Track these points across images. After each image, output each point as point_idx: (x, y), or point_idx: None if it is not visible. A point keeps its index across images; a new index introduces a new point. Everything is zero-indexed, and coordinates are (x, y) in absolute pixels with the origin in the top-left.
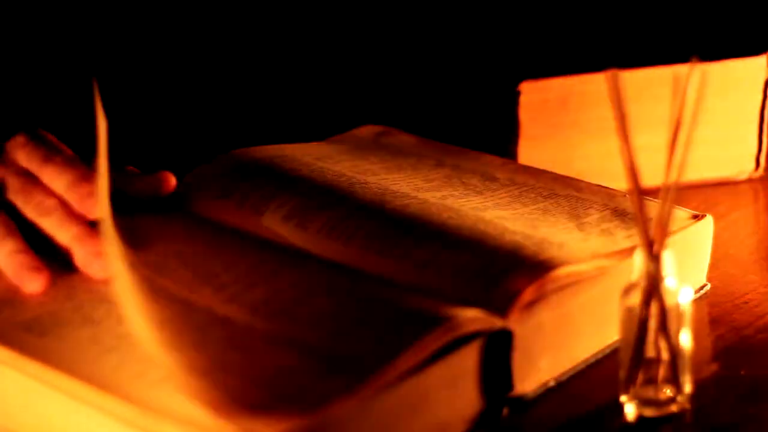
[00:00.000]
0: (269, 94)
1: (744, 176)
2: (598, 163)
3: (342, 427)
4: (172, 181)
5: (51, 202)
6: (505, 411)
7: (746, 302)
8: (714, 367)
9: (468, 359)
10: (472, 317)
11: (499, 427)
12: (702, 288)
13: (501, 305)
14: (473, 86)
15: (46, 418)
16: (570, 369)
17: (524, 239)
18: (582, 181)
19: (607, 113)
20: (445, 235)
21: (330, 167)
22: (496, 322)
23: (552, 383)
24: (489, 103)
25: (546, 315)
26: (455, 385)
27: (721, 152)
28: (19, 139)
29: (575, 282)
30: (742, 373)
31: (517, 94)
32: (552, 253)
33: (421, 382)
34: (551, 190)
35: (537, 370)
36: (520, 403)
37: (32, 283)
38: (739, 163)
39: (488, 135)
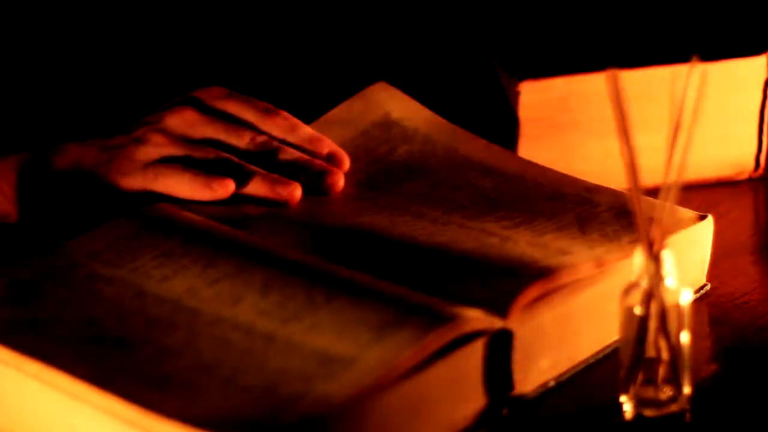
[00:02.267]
0: (274, 94)
1: (744, 176)
2: (598, 163)
3: (343, 427)
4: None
5: (263, 138)
6: (505, 411)
7: (746, 302)
8: (714, 367)
9: (471, 359)
10: (473, 317)
11: (499, 427)
12: (702, 288)
13: (501, 305)
14: (473, 85)
15: (46, 418)
16: (570, 369)
17: (528, 248)
18: (590, 182)
19: (607, 113)
20: (445, 245)
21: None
22: (496, 322)
23: (552, 383)
24: (489, 102)
25: (546, 315)
26: (456, 385)
27: (721, 152)
28: (216, 91)
29: (575, 282)
30: (742, 373)
31: (517, 94)
32: (555, 260)
33: (422, 382)
34: (559, 190)
35: (537, 370)
36: (520, 403)
37: (294, 192)
38: (739, 163)
39: (488, 135)
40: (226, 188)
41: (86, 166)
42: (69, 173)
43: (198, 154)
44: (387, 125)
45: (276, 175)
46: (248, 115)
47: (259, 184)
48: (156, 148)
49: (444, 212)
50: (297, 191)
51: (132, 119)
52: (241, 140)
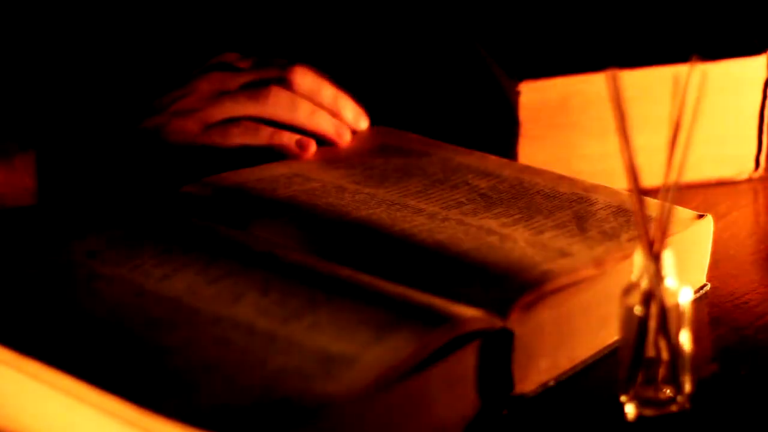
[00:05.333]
0: None
1: (744, 176)
2: (598, 163)
3: (343, 426)
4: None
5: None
6: (505, 411)
7: (746, 302)
8: (714, 367)
9: (466, 360)
10: (473, 317)
11: (499, 427)
12: (702, 288)
13: (501, 305)
14: (473, 86)
15: (46, 418)
16: (570, 369)
17: (527, 248)
18: (586, 181)
19: (607, 113)
20: (445, 243)
21: (332, 181)
22: (496, 322)
23: (552, 383)
24: (489, 103)
25: (546, 315)
26: (456, 384)
27: (721, 152)
28: (231, 56)
29: (575, 282)
30: (742, 373)
31: (517, 94)
32: (554, 263)
33: (421, 382)
34: (556, 189)
35: (537, 370)
36: (520, 403)
37: (345, 135)
38: (739, 163)
39: (488, 135)
40: (308, 147)
41: (128, 145)
42: (102, 156)
43: (242, 95)
44: (383, 149)
45: (332, 118)
46: (267, 65)
47: (321, 119)
48: (205, 113)
49: (442, 208)
50: (348, 135)
51: (139, 103)
52: (269, 72)
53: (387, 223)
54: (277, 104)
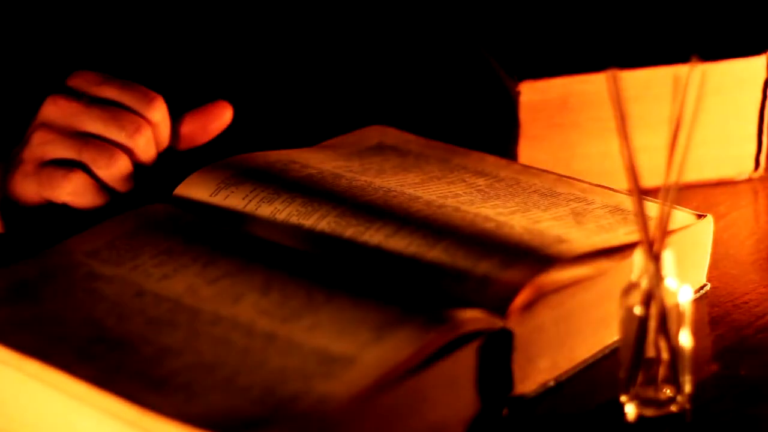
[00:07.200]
0: (276, 94)
1: (744, 176)
2: (598, 163)
3: (343, 427)
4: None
5: (141, 120)
6: (505, 411)
7: (746, 302)
8: (714, 367)
9: (466, 360)
10: (472, 317)
11: (499, 427)
12: (702, 288)
13: (501, 305)
14: (473, 86)
15: (46, 418)
16: (570, 369)
17: (525, 234)
18: (584, 181)
19: (607, 113)
20: (444, 231)
21: (329, 169)
22: (496, 322)
23: (552, 383)
24: (489, 103)
25: (546, 315)
26: (454, 385)
27: (721, 152)
28: (89, 76)
29: (575, 282)
30: (741, 373)
31: (517, 94)
32: (552, 248)
33: (421, 382)
34: (554, 189)
35: (537, 370)
36: (520, 403)
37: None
38: (739, 163)
39: (488, 135)
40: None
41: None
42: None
43: (87, 150)
44: (381, 148)
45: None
46: (126, 100)
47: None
48: (40, 146)
49: (439, 197)
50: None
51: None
52: (122, 131)
53: (383, 208)
54: (117, 173)
